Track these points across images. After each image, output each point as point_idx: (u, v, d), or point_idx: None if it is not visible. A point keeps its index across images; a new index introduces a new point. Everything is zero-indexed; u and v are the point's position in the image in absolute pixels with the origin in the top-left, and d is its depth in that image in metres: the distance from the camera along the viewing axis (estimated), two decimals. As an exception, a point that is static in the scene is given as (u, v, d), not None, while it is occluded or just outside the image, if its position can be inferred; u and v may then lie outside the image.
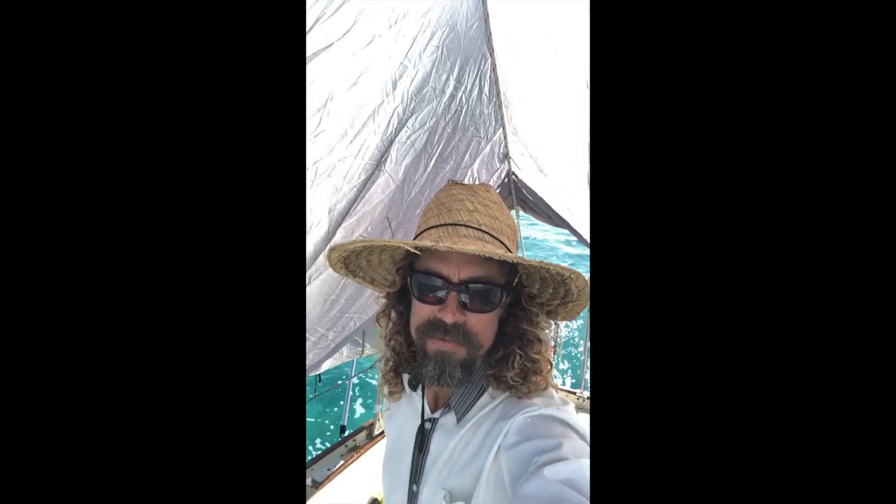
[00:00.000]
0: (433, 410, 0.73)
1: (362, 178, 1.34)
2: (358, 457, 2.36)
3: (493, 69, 1.62)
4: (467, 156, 1.72)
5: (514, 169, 2.09)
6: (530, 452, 0.56)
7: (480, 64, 1.55)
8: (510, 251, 0.69)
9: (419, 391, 0.75)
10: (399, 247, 0.67)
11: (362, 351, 2.33)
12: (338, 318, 1.67)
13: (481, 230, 0.68)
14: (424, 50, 1.33)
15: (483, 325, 0.65)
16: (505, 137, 1.92)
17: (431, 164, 1.52)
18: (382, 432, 2.69)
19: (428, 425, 0.71)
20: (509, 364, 0.66)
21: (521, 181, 2.13)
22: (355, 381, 3.08)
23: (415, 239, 0.72)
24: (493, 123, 1.79)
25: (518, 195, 2.19)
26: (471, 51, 1.48)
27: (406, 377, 0.78)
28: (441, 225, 0.70)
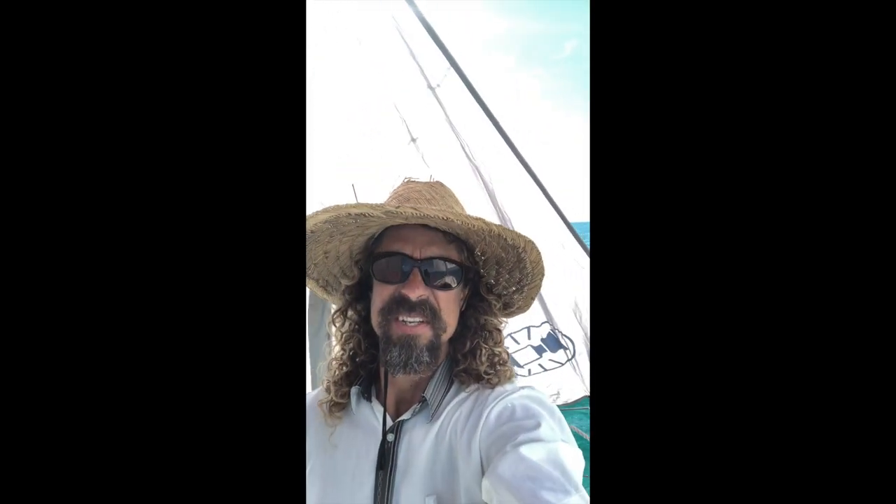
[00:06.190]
0: (395, 417, 0.68)
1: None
2: None
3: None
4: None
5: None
6: (509, 433, 0.57)
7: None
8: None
9: (372, 401, 0.70)
10: (364, 221, 0.65)
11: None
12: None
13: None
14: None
15: (446, 302, 0.66)
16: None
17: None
18: None
19: (391, 437, 0.66)
20: (478, 358, 0.67)
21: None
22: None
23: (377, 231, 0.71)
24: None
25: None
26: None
27: (356, 389, 0.71)
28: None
